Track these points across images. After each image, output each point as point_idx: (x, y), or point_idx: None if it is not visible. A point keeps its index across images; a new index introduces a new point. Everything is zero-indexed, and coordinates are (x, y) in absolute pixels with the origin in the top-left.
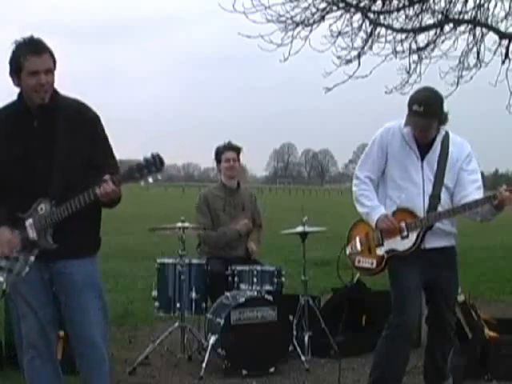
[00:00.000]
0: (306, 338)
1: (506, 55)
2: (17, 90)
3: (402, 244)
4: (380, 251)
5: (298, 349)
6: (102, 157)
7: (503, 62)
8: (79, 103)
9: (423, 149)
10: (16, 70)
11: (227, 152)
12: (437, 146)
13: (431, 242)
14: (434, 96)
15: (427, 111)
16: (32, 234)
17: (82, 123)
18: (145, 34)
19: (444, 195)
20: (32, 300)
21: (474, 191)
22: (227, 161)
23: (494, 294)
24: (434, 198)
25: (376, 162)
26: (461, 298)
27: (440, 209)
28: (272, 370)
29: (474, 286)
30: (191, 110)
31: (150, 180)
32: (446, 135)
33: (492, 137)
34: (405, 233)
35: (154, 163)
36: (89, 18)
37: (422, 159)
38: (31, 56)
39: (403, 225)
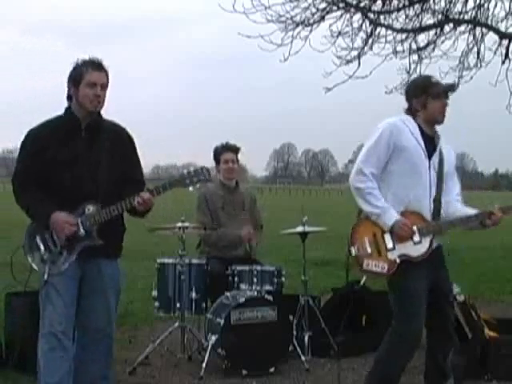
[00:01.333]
0: (306, 338)
1: (506, 55)
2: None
3: (414, 249)
4: (392, 255)
5: (298, 349)
6: (136, 172)
7: (503, 62)
8: (117, 125)
9: (428, 147)
10: (76, 80)
11: (226, 153)
12: (437, 147)
13: (434, 243)
14: None
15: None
16: (80, 230)
17: (120, 142)
18: (145, 34)
19: (443, 198)
20: (64, 293)
21: (454, 198)
22: (226, 162)
23: (494, 294)
24: (437, 202)
25: (381, 158)
26: (461, 298)
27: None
28: (272, 370)
29: (474, 286)
30: (191, 109)
31: (197, 186)
32: (439, 138)
33: (492, 137)
34: (417, 238)
35: (203, 173)
36: (89, 18)
37: (429, 158)
38: (93, 70)
39: (415, 229)
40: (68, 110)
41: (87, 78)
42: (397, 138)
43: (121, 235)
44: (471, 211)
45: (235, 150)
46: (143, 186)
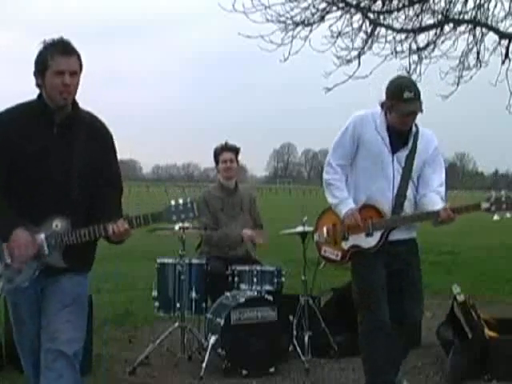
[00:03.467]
0: (306, 338)
1: (506, 55)
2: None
3: (366, 241)
4: (345, 245)
5: (298, 349)
6: (111, 173)
7: (503, 62)
8: (95, 118)
9: (394, 143)
10: (41, 69)
11: (224, 153)
12: (409, 143)
13: (394, 236)
14: (413, 80)
15: (417, 94)
16: (44, 249)
17: (99, 138)
18: (145, 35)
19: (409, 191)
20: (26, 311)
21: (434, 190)
22: (224, 162)
23: (494, 294)
24: (400, 197)
25: (347, 149)
26: (461, 298)
27: (406, 203)
28: (272, 370)
29: (474, 286)
30: (191, 109)
31: (185, 224)
32: (417, 131)
33: (492, 137)
34: (370, 230)
35: (193, 209)
36: (91, 18)
37: (393, 154)
38: (59, 56)
39: (369, 223)
40: (40, 97)
41: (53, 66)
42: (360, 131)
43: (92, 250)
44: (437, 207)
45: (233, 149)
46: (117, 193)
